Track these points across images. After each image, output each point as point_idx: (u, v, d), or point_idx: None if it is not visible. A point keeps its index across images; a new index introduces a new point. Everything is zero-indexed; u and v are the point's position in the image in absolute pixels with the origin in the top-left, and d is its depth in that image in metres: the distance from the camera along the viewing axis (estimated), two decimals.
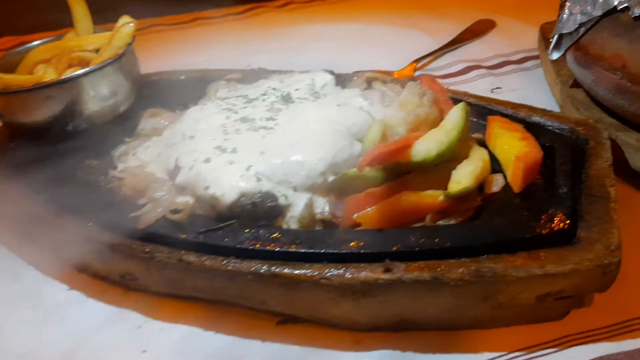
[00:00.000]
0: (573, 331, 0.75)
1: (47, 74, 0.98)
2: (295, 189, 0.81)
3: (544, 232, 0.72)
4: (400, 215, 0.77)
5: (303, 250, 0.73)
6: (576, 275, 0.69)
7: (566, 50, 1.04)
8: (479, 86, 1.29)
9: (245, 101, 0.96)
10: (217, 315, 0.80)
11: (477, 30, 1.53)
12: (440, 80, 1.15)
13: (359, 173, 0.79)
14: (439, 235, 0.73)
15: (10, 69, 1.01)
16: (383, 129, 0.85)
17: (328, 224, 0.80)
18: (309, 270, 0.71)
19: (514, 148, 0.82)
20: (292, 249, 0.73)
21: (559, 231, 0.72)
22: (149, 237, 0.78)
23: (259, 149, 0.84)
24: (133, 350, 0.77)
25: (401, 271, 0.69)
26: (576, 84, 1.09)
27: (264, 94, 0.97)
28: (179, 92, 1.10)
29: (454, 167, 0.79)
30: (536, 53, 1.38)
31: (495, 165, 0.83)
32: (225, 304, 0.79)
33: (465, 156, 0.82)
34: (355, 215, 0.77)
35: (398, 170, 0.80)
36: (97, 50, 1.03)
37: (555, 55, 1.07)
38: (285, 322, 0.79)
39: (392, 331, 0.76)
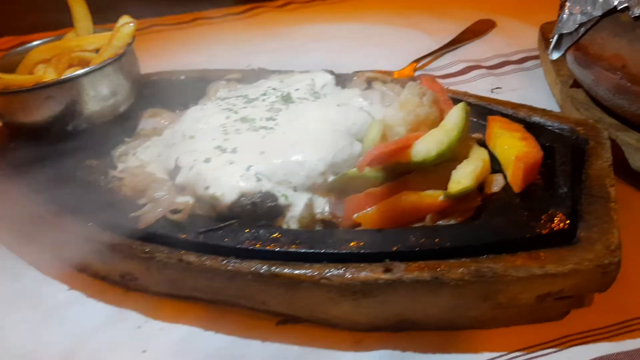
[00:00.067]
0: (573, 331, 0.75)
1: (47, 74, 0.98)
2: (295, 189, 0.81)
3: (544, 232, 0.72)
4: (400, 215, 0.76)
5: (303, 250, 0.73)
6: (576, 275, 0.69)
7: (566, 50, 1.04)
8: (479, 86, 1.29)
9: (245, 101, 0.96)
10: (217, 315, 0.80)
11: (477, 30, 1.53)
12: (440, 80, 1.15)
13: (359, 173, 0.79)
14: (439, 235, 0.73)
15: (10, 69, 1.01)
16: (383, 129, 0.85)
17: (328, 224, 0.80)
18: (309, 270, 0.71)
19: (514, 148, 0.82)
20: (292, 249, 0.73)
21: (559, 231, 0.72)
22: (149, 237, 0.78)
23: (259, 149, 0.84)
24: (133, 351, 0.77)
25: (401, 271, 0.69)
26: (576, 84, 1.09)
27: (264, 94, 0.97)
28: (179, 92, 1.10)
29: (454, 167, 0.79)
30: (536, 53, 1.38)
31: (495, 165, 0.83)
32: (225, 304, 0.79)
33: (465, 156, 0.82)
34: (355, 215, 0.77)
35: (398, 170, 0.80)
36: (97, 50, 1.03)
37: (555, 55, 1.07)
38: (285, 322, 0.79)
39: (392, 331, 0.76)
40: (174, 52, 1.51)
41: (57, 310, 0.83)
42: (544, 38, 1.28)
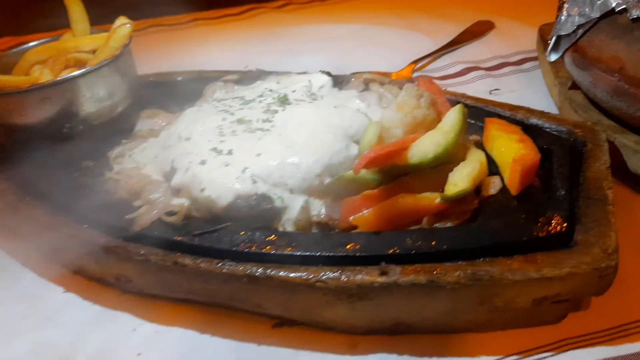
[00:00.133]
0: (570, 335, 0.74)
1: (44, 75, 0.97)
2: (291, 191, 0.80)
3: (541, 235, 0.72)
4: (396, 217, 0.76)
5: (299, 253, 0.73)
6: (573, 278, 0.68)
7: (564, 52, 1.04)
8: (477, 87, 1.29)
9: (241, 102, 0.96)
10: (213, 318, 0.80)
11: (475, 32, 1.52)
12: (438, 82, 1.15)
13: (356, 175, 0.78)
14: (435, 238, 0.72)
15: (7, 70, 1.01)
16: (380, 131, 0.84)
17: (324, 227, 0.80)
18: (305, 273, 0.71)
19: (511, 150, 0.81)
20: (288, 251, 0.73)
21: (556, 234, 0.72)
22: (144, 239, 0.78)
23: (255, 151, 0.83)
24: (128, 353, 0.77)
25: (397, 274, 0.69)
26: (574, 86, 1.09)
27: (261, 96, 0.97)
28: (176, 93, 1.09)
29: (451, 170, 0.79)
30: (535, 54, 1.37)
31: (493, 168, 0.83)
32: (220, 307, 0.79)
33: (462, 158, 0.82)
34: (352, 217, 0.77)
35: (395, 173, 0.80)
36: (93, 52, 1.02)
37: (554, 57, 1.06)
38: (281, 325, 0.79)
39: (388, 334, 0.76)
40: (172, 53, 1.50)
41: (52, 313, 0.83)
42: (543, 39, 1.28)
